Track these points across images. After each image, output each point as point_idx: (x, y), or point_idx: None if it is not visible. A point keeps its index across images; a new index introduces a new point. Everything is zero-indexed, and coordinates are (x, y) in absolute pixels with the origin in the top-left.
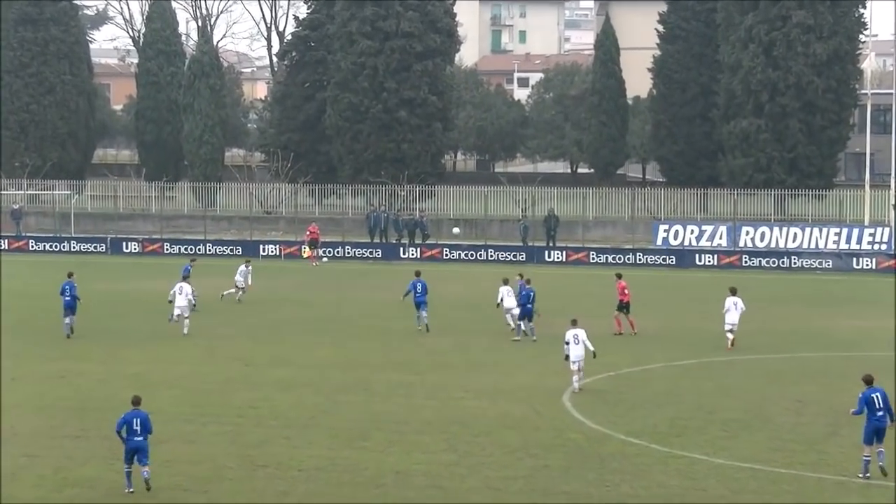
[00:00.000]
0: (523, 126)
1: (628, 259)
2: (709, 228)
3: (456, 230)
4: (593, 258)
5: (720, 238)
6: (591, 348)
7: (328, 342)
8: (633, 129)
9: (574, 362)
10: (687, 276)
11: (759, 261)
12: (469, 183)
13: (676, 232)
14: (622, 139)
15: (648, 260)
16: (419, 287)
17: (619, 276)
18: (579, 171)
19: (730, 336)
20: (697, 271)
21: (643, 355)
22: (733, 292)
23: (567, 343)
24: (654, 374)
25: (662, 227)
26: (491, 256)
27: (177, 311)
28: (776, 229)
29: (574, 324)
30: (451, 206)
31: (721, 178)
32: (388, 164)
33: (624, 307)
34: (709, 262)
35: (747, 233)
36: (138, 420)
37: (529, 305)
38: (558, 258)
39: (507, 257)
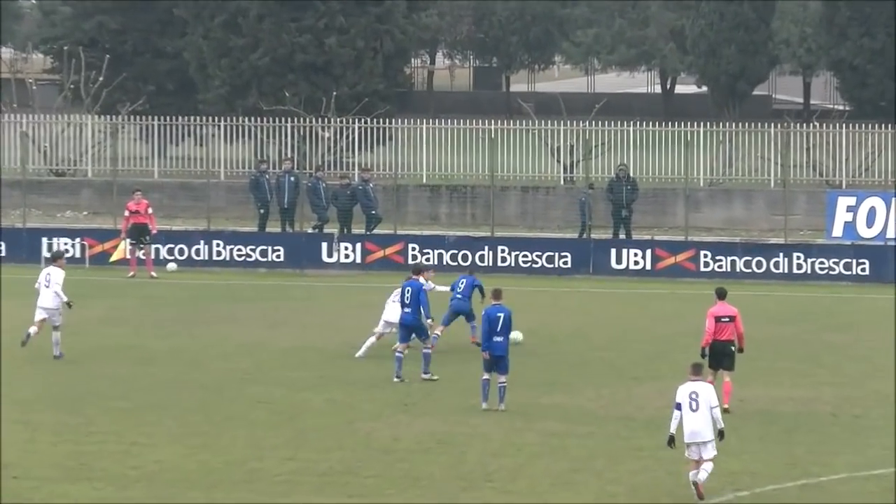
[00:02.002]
0: (566, 4)
1: (776, 265)
2: None
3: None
4: (707, 263)
5: None
6: (720, 423)
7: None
8: (783, 11)
9: (690, 444)
10: (892, 299)
11: None
12: (461, 113)
13: (872, 211)
14: (763, 30)
15: (817, 266)
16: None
17: (722, 296)
18: (679, 90)
19: None
20: None
21: (801, 454)
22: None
23: (678, 408)
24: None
25: (845, 203)
26: (504, 261)
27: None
28: None
29: (694, 371)
30: (423, 159)
31: None
32: (299, 79)
33: (721, 355)
34: None
35: None
36: None
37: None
38: (635, 263)
39: (537, 262)
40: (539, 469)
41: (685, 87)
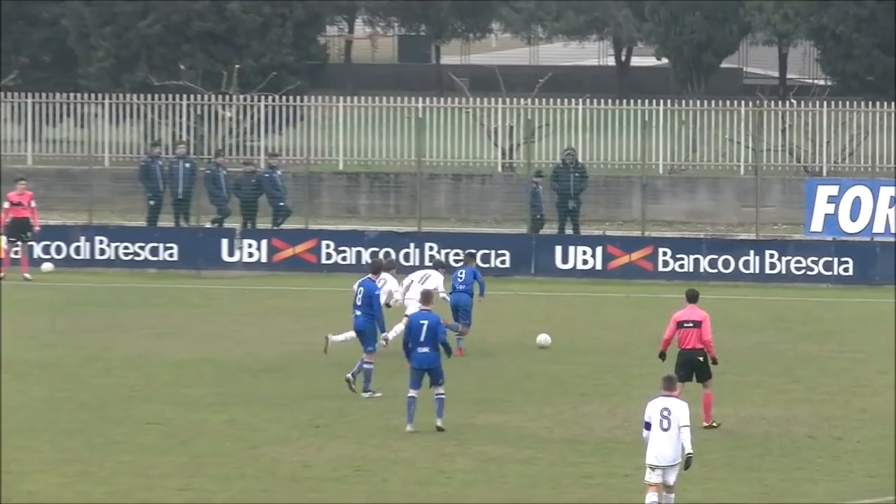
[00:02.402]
0: None
1: (746, 264)
2: None
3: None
4: (666, 262)
5: None
6: (689, 447)
7: None
8: None
9: (654, 467)
10: (880, 303)
11: None
12: (383, 89)
13: (857, 202)
14: None
15: (793, 266)
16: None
17: (692, 299)
18: (635, 62)
19: None
20: None
21: (774, 481)
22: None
23: (647, 427)
24: None
25: (826, 192)
26: (433, 259)
27: None
28: None
29: (667, 385)
30: (339, 142)
31: None
32: (196, 49)
33: (689, 366)
34: None
35: None
36: None
37: None
38: (584, 262)
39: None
40: (473, 499)
41: (643, 60)
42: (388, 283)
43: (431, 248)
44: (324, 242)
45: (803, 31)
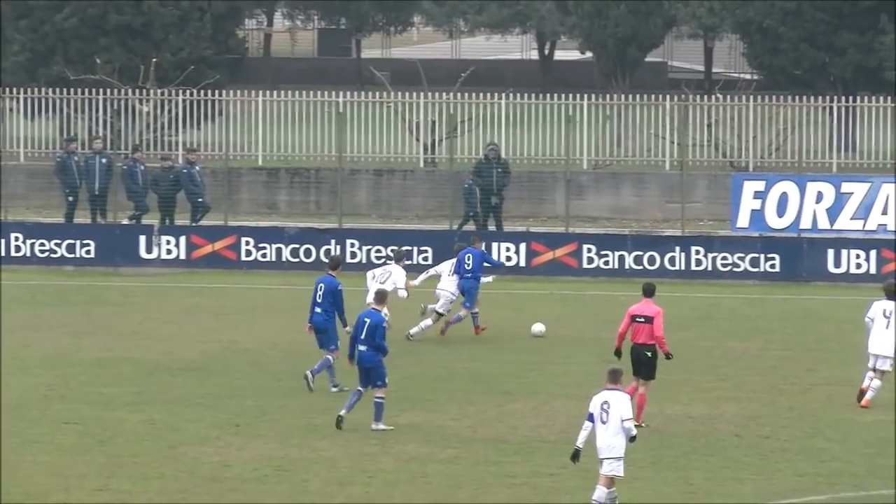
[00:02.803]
0: None
1: (672, 260)
2: (856, 189)
3: None
4: (591, 259)
5: (887, 213)
6: (633, 430)
7: None
8: None
9: (601, 459)
10: (807, 300)
11: None
12: (303, 83)
13: (784, 198)
14: None
15: (719, 262)
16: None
17: (648, 293)
18: (559, 56)
19: (871, 381)
20: (833, 290)
21: (700, 481)
22: (890, 293)
23: (589, 419)
24: None
25: (753, 188)
26: (354, 256)
27: None
28: None
29: (611, 378)
30: (259, 137)
31: (888, 75)
32: (113, 43)
33: (637, 362)
34: (859, 267)
35: None
36: None
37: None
38: (507, 258)
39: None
40: (395, 499)
41: (566, 54)
42: (393, 275)
43: (353, 245)
44: (243, 239)
45: (729, 24)
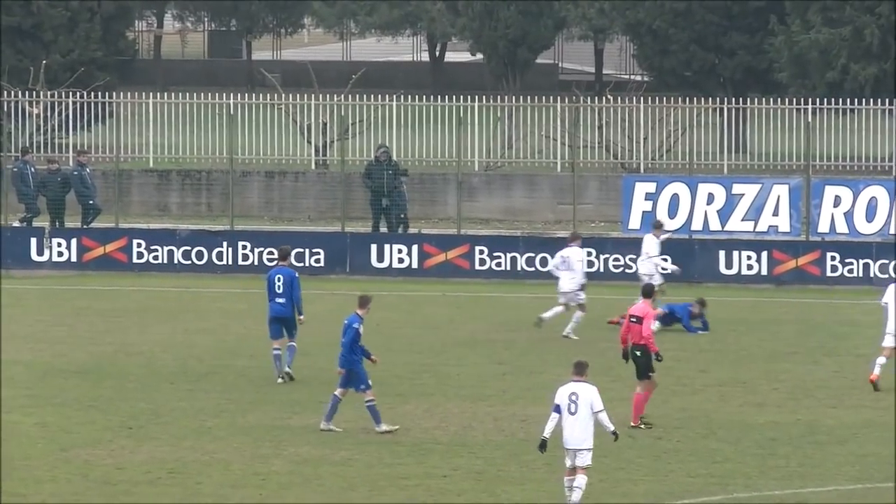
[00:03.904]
0: None
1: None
2: (747, 191)
3: None
4: (483, 260)
5: (778, 214)
6: (610, 425)
7: None
8: None
9: (566, 450)
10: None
11: None
12: (194, 85)
13: (675, 199)
14: None
15: (611, 264)
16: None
17: (646, 294)
18: (450, 58)
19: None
20: (725, 291)
21: (593, 482)
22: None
23: (556, 410)
24: None
25: (644, 189)
26: (246, 258)
27: None
28: None
29: (578, 371)
30: (149, 139)
31: (778, 77)
32: (2, 45)
33: (633, 360)
34: (750, 268)
35: (835, 199)
36: None
37: None
38: (399, 260)
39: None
40: (288, 501)
41: (457, 55)
42: (573, 256)
43: (245, 247)
44: (135, 241)
45: (619, 26)
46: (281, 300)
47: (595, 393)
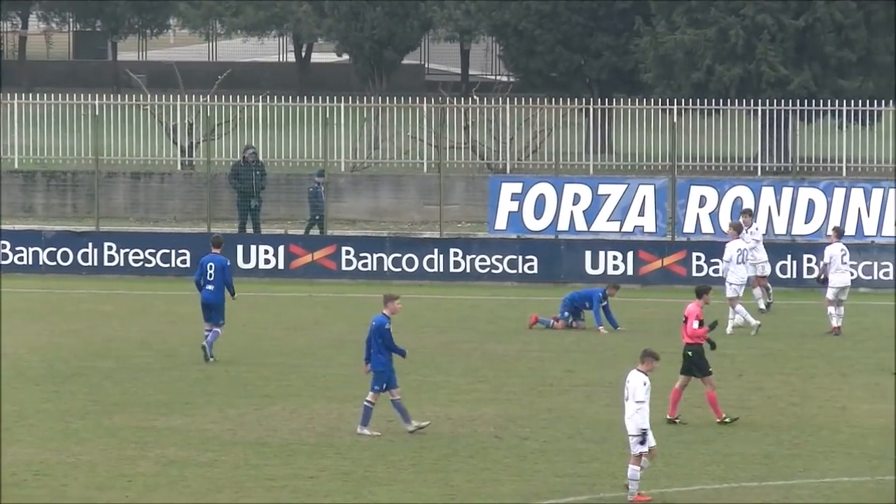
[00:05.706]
0: None
1: (430, 262)
2: (613, 191)
3: None
4: (349, 261)
5: (644, 214)
6: (640, 422)
7: None
8: None
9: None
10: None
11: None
12: (59, 86)
13: (541, 199)
14: None
15: (478, 264)
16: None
17: (698, 294)
18: (316, 59)
19: (834, 311)
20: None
21: (460, 482)
22: (839, 234)
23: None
24: None
25: (510, 190)
26: (112, 259)
27: None
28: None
29: (640, 359)
30: (14, 140)
31: (643, 77)
32: None
33: (686, 360)
34: (616, 268)
35: (701, 199)
36: None
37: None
38: (266, 261)
39: (151, 262)
40: (154, 503)
41: (323, 56)
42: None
43: (111, 248)
44: (0, 242)
45: (485, 27)
46: (210, 287)
47: (639, 383)
